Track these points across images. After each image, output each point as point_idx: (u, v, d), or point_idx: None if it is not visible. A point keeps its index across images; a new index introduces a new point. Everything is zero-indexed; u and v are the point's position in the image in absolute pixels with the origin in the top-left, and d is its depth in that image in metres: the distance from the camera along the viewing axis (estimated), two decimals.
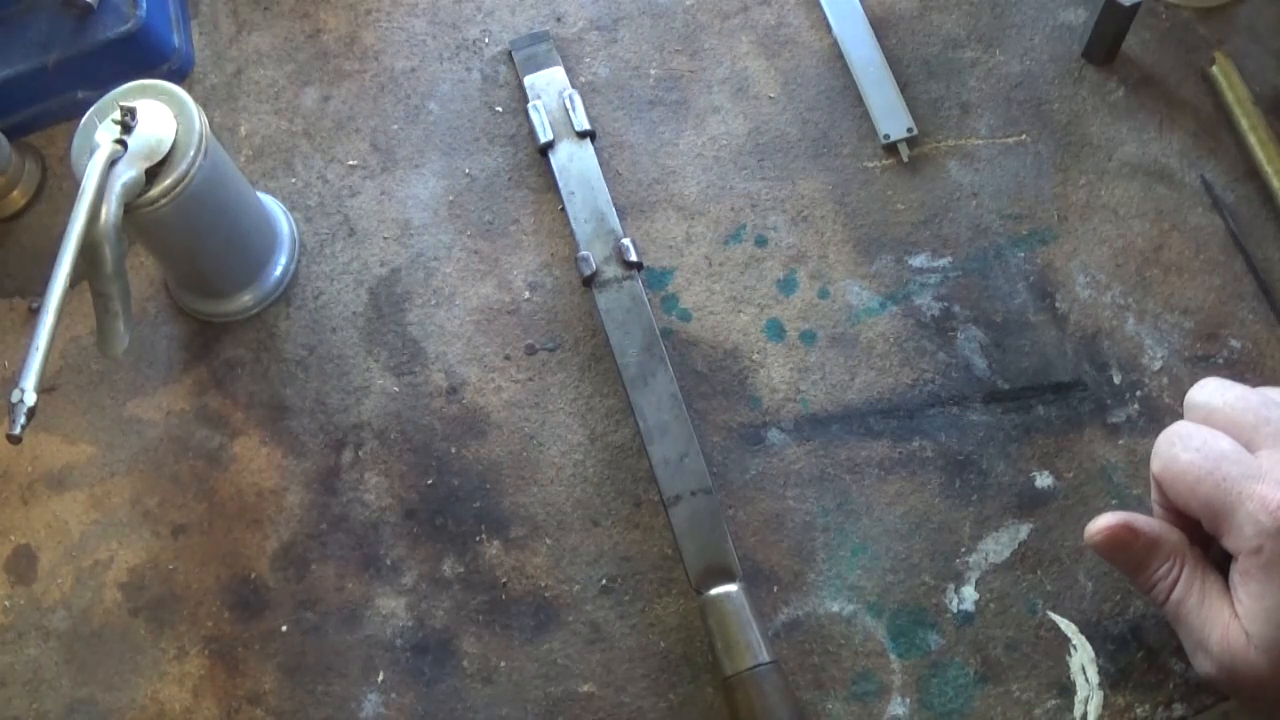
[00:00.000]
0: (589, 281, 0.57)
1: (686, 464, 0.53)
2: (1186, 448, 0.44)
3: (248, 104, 0.66)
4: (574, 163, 0.60)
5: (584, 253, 0.58)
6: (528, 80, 0.63)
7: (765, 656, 0.49)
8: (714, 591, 0.51)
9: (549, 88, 0.63)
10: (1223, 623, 0.43)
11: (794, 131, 0.62)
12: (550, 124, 0.61)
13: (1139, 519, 0.46)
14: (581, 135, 0.61)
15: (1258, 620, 0.42)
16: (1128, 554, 0.46)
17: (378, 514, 0.57)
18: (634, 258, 0.57)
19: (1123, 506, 0.53)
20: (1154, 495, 0.48)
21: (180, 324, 0.62)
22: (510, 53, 0.65)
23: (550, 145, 0.61)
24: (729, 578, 0.51)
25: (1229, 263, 0.57)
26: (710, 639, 0.50)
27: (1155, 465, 0.46)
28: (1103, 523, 0.46)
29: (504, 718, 0.53)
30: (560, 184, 0.60)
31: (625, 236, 0.58)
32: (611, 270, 0.57)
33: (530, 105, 0.62)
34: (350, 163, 0.64)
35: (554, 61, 0.64)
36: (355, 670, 0.54)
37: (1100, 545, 0.47)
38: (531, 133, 0.62)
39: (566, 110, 0.62)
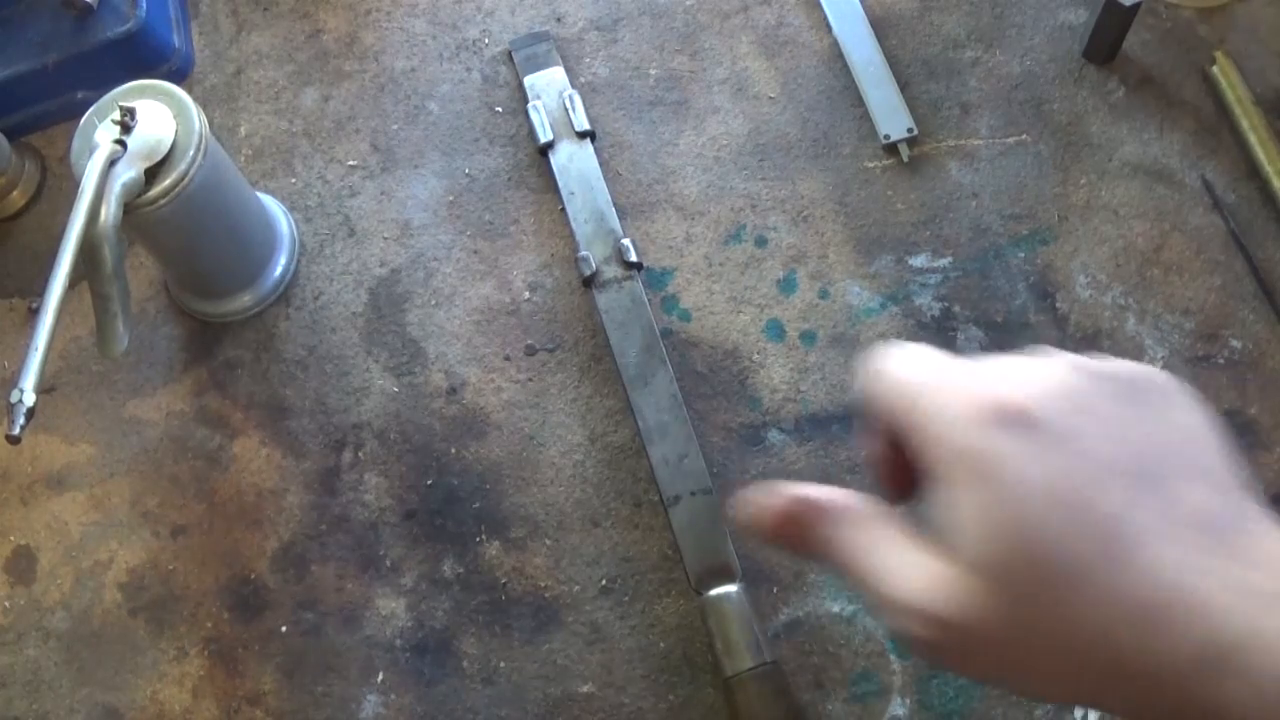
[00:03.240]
0: (589, 282, 0.57)
1: (686, 464, 0.53)
2: (886, 368, 0.37)
3: (248, 104, 0.66)
4: (574, 163, 0.60)
5: (584, 253, 0.58)
6: (528, 80, 0.63)
7: (765, 657, 0.49)
8: (714, 592, 0.51)
9: (549, 88, 0.63)
10: (926, 563, 0.35)
11: (794, 131, 0.62)
12: (550, 124, 0.61)
13: (805, 487, 0.37)
14: (581, 135, 0.61)
15: (963, 535, 0.34)
16: (808, 529, 0.37)
17: (377, 514, 0.57)
18: (634, 258, 0.57)
19: None
20: (859, 435, 0.43)
21: (180, 324, 0.62)
22: (510, 53, 0.65)
23: (550, 145, 0.61)
24: (729, 578, 0.51)
25: (1229, 263, 0.57)
26: (710, 639, 0.50)
27: (856, 390, 0.38)
28: (768, 503, 0.37)
29: (504, 718, 0.53)
30: (560, 184, 0.60)
31: (625, 237, 0.58)
32: (611, 270, 0.57)
33: (530, 105, 0.62)
34: (350, 163, 0.64)
35: (554, 61, 0.64)
36: (355, 671, 0.54)
37: (774, 531, 0.37)
38: (531, 133, 0.62)
39: (566, 110, 0.62)
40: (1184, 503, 0.33)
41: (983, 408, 0.35)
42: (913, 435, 0.36)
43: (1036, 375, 0.36)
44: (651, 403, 0.54)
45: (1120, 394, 0.35)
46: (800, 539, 0.37)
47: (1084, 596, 0.33)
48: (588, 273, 0.57)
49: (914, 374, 0.36)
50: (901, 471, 0.38)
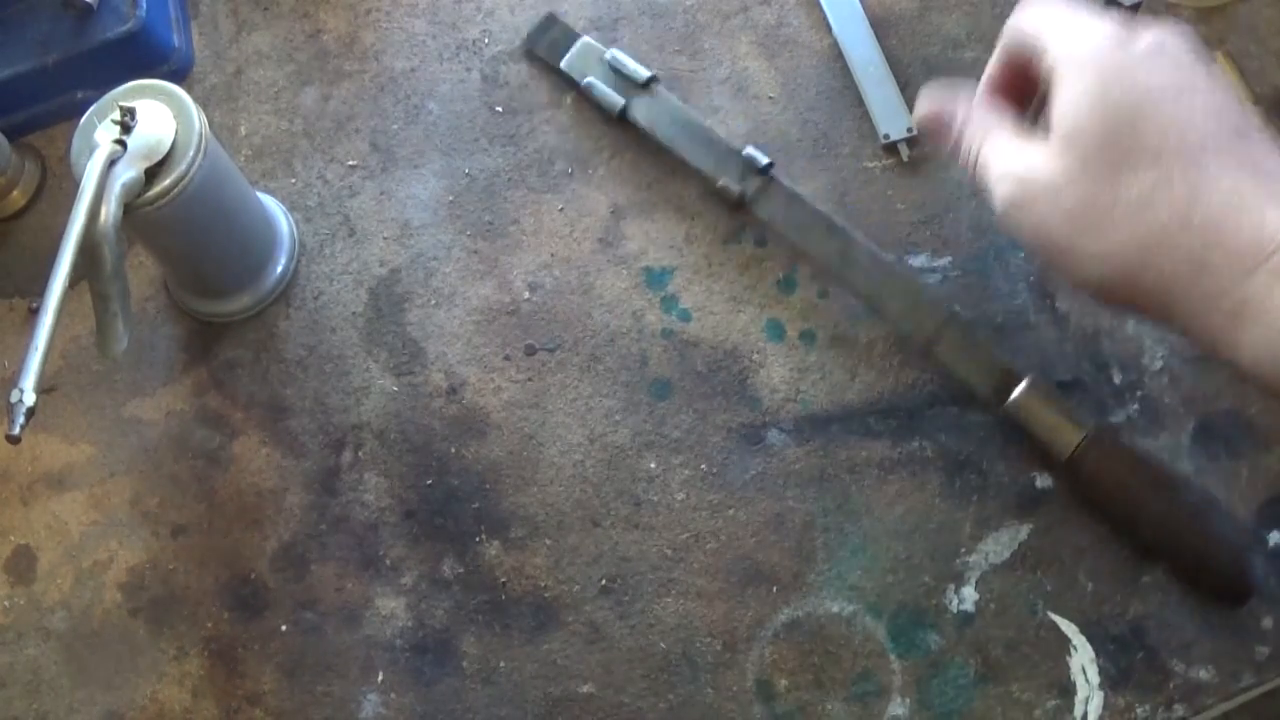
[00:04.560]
0: (740, 204, 0.58)
1: (922, 304, 0.55)
2: (1035, 6, 0.46)
3: (248, 104, 0.66)
4: (655, 111, 0.61)
5: (721, 183, 0.59)
6: (564, 65, 0.63)
7: (1088, 426, 0.51)
8: (1015, 395, 0.52)
9: (587, 59, 0.63)
10: (1027, 147, 0.44)
11: (794, 131, 0.62)
12: (614, 89, 0.61)
13: (950, 98, 0.49)
14: (645, 85, 0.61)
15: (1066, 117, 0.42)
16: (947, 123, 0.48)
17: (377, 514, 0.57)
18: (764, 161, 0.58)
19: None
20: (992, 67, 0.49)
21: (180, 324, 0.62)
22: (528, 51, 0.65)
23: (625, 108, 0.61)
24: (1016, 379, 0.53)
25: None
26: (1032, 440, 0.53)
27: (1004, 36, 0.47)
28: (919, 110, 0.50)
29: (504, 718, 0.53)
30: (658, 135, 0.60)
31: (745, 147, 0.59)
32: (753, 183, 0.58)
33: (584, 83, 0.62)
34: (350, 163, 0.64)
35: (575, 36, 0.64)
36: (355, 670, 0.54)
37: (927, 124, 0.49)
38: (601, 105, 0.62)
39: (618, 71, 0.61)
40: (1254, 154, 0.40)
41: (1116, 30, 0.42)
42: (1049, 48, 0.44)
43: (1156, 26, 0.43)
44: (861, 276, 0.56)
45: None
46: (939, 131, 0.48)
47: (1150, 178, 0.40)
48: (735, 195, 0.58)
49: (1055, 9, 0.45)
50: (1017, 89, 0.47)
